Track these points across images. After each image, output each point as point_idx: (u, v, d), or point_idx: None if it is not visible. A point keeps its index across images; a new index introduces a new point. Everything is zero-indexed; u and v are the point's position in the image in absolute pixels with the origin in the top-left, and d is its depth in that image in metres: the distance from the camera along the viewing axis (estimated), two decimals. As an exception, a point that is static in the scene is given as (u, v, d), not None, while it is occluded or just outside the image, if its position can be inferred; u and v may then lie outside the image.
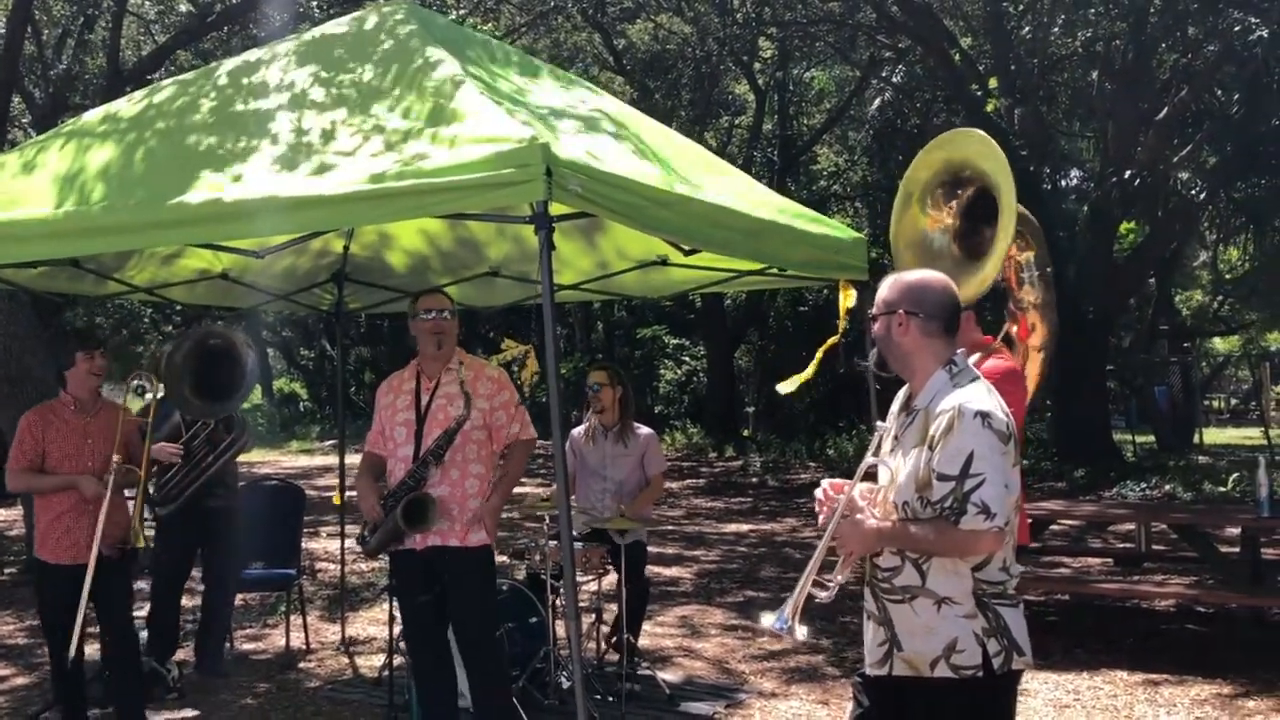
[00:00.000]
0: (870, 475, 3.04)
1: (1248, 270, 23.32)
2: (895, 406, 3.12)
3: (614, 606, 6.06)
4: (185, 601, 6.72)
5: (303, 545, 7.67)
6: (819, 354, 5.65)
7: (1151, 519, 7.77)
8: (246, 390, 6.11)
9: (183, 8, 14.63)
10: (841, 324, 5.63)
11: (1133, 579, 8.29)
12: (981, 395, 2.86)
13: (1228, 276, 25.80)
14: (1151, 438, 22.24)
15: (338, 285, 6.76)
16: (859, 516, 2.94)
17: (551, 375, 3.65)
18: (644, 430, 6.27)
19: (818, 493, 3.06)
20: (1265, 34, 13.05)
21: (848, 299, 5.66)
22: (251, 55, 5.16)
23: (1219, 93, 16.63)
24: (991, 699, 2.88)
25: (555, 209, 3.67)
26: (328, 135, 4.21)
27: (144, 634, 6.06)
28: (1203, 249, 26.87)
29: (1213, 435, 25.50)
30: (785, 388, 5.80)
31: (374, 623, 7.61)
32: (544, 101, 4.54)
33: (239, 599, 7.60)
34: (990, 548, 2.81)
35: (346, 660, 6.76)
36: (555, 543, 5.67)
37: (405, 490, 4.73)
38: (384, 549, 4.86)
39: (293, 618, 7.16)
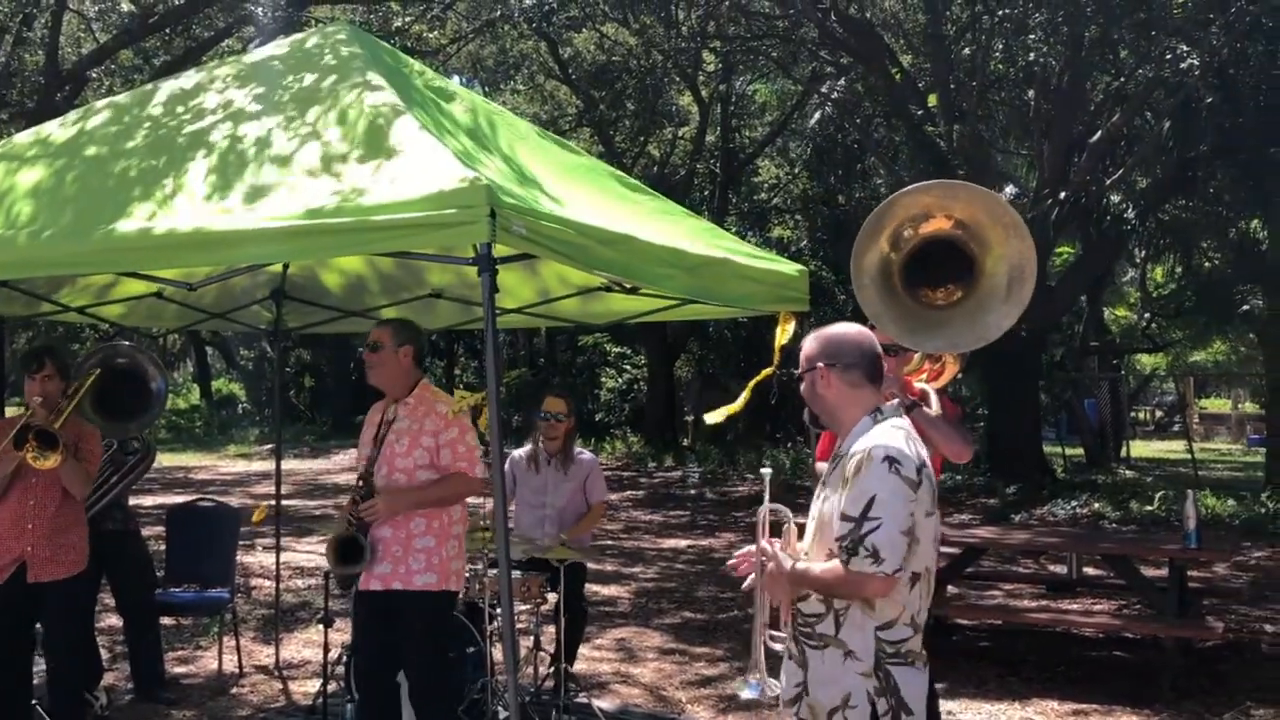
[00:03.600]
0: (775, 523, 3.18)
1: (1174, 290, 23.84)
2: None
3: (550, 630, 6.05)
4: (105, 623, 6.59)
5: (238, 559, 7.55)
6: (749, 387, 5.64)
7: (1083, 549, 7.88)
8: (154, 414, 5.98)
9: (125, 7, 14.37)
10: (776, 357, 5.65)
11: (1063, 604, 8.44)
12: (895, 438, 2.91)
13: (1154, 295, 26.39)
14: (1080, 450, 22.68)
15: (276, 304, 6.66)
16: (775, 563, 3.03)
17: (494, 416, 3.63)
18: (586, 456, 6.26)
19: (731, 561, 3.20)
20: (1196, 62, 13.35)
21: (784, 334, 5.68)
22: (189, 80, 5.07)
23: (1150, 116, 16.99)
24: None
25: (498, 250, 3.65)
26: (262, 147, 4.15)
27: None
28: (1131, 267, 27.46)
29: (1139, 448, 26.03)
30: (713, 418, 5.76)
31: (309, 644, 7.51)
32: (486, 140, 4.51)
33: (170, 620, 7.47)
34: (877, 591, 2.85)
35: (280, 686, 6.66)
36: (494, 571, 5.64)
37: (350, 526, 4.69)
38: (346, 584, 4.82)
39: (226, 639, 7.05)
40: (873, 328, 4.69)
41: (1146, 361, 33.72)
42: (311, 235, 3.71)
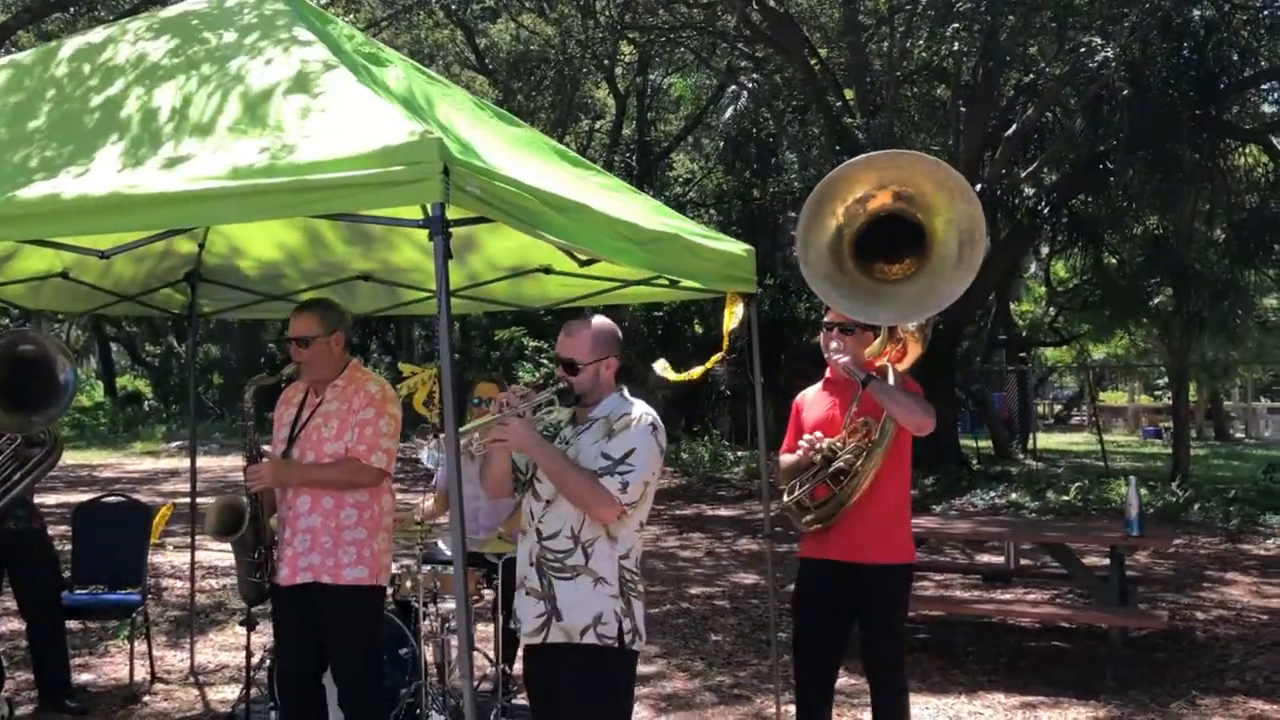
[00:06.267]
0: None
1: (1079, 284, 24.24)
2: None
3: (483, 627, 5.78)
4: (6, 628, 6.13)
5: (148, 559, 7.10)
6: (708, 365, 5.56)
7: (1022, 538, 7.82)
8: (63, 406, 5.56)
9: (24, -17, 13.65)
10: (726, 341, 5.45)
11: (999, 594, 8.38)
12: (653, 412, 3.52)
13: (1060, 290, 26.86)
14: (989, 442, 23.01)
15: (191, 287, 6.26)
16: (529, 425, 3.46)
17: (447, 393, 3.33)
18: (519, 446, 5.97)
19: (511, 389, 3.62)
20: (1110, 54, 13.49)
21: (732, 316, 5.46)
22: (97, 35, 4.68)
23: (1060, 113, 17.18)
24: (620, 668, 3.46)
25: (452, 213, 3.35)
26: (181, 110, 3.79)
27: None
28: (1034, 261, 27.92)
29: (1042, 440, 26.51)
30: (664, 371, 5.60)
31: (225, 648, 7.10)
32: (422, 110, 4.17)
33: (76, 624, 7.01)
34: (603, 515, 3.37)
35: (196, 693, 6.26)
36: (429, 567, 5.35)
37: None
38: (252, 588, 4.53)
39: (136, 644, 6.60)
40: (828, 310, 4.53)
41: (1050, 355, 34.41)
42: (239, 197, 3.34)
